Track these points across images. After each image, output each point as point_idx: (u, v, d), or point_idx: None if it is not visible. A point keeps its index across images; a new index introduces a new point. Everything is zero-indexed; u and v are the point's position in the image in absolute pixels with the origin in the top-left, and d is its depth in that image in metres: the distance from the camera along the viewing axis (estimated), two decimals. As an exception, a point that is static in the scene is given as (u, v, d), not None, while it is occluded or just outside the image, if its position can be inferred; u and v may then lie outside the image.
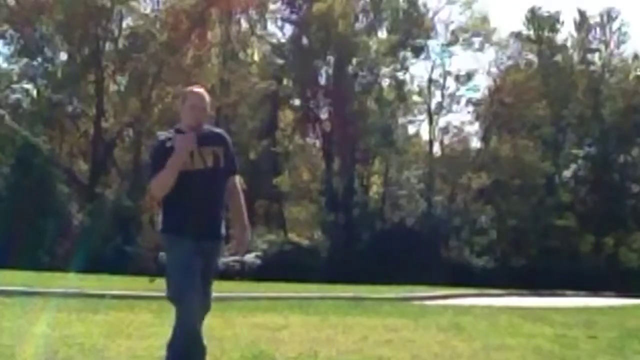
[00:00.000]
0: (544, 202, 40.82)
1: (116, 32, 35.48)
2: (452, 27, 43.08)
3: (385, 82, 42.96)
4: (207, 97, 4.79)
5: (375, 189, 43.87)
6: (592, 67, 44.40)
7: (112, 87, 36.52)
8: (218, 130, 4.97)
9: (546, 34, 44.66)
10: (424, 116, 44.11)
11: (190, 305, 4.47)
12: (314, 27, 39.32)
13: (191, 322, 4.48)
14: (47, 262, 25.28)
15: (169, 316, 9.33)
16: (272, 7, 41.98)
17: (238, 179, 4.92)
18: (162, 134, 4.79)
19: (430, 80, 43.46)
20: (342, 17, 38.73)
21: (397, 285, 22.61)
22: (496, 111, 43.96)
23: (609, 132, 42.21)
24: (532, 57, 45.81)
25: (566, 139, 44.75)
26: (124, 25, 36.00)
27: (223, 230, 4.75)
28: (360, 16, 42.64)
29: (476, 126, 45.79)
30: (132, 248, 29.13)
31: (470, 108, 45.04)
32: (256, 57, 41.39)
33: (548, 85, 43.24)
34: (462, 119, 57.82)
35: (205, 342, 4.61)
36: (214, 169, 4.70)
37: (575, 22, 44.73)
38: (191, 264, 4.52)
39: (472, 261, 38.60)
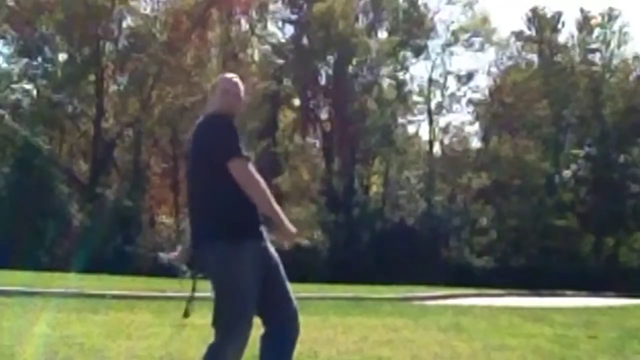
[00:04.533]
0: (544, 202, 40.79)
1: (116, 32, 35.44)
2: (452, 27, 43.20)
3: (385, 82, 42.98)
4: (241, 85, 4.43)
5: (375, 189, 43.87)
6: (592, 68, 44.38)
7: (112, 87, 36.48)
8: None
9: (547, 34, 44.64)
10: (424, 116, 44.21)
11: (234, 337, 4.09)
12: (314, 27, 39.30)
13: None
14: (47, 262, 25.25)
15: (168, 316, 9.36)
16: (272, 7, 41.99)
17: None
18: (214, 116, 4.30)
19: (430, 80, 43.57)
20: (342, 17, 38.71)
21: (397, 285, 22.63)
22: (496, 111, 43.97)
23: (609, 132, 42.19)
24: (532, 57, 45.83)
25: (566, 139, 44.76)
26: (124, 25, 35.98)
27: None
28: (361, 16, 42.62)
29: (476, 126, 45.90)
30: (132, 248, 29.14)
31: (470, 108, 45.14)
32: (256, 57, 41.33)
33: (548, 85, 43.23)
34: (462, 119, 57.95)
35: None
36: None
37: (577, 22, 44.75)
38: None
39: (472, 261, 38.55)
